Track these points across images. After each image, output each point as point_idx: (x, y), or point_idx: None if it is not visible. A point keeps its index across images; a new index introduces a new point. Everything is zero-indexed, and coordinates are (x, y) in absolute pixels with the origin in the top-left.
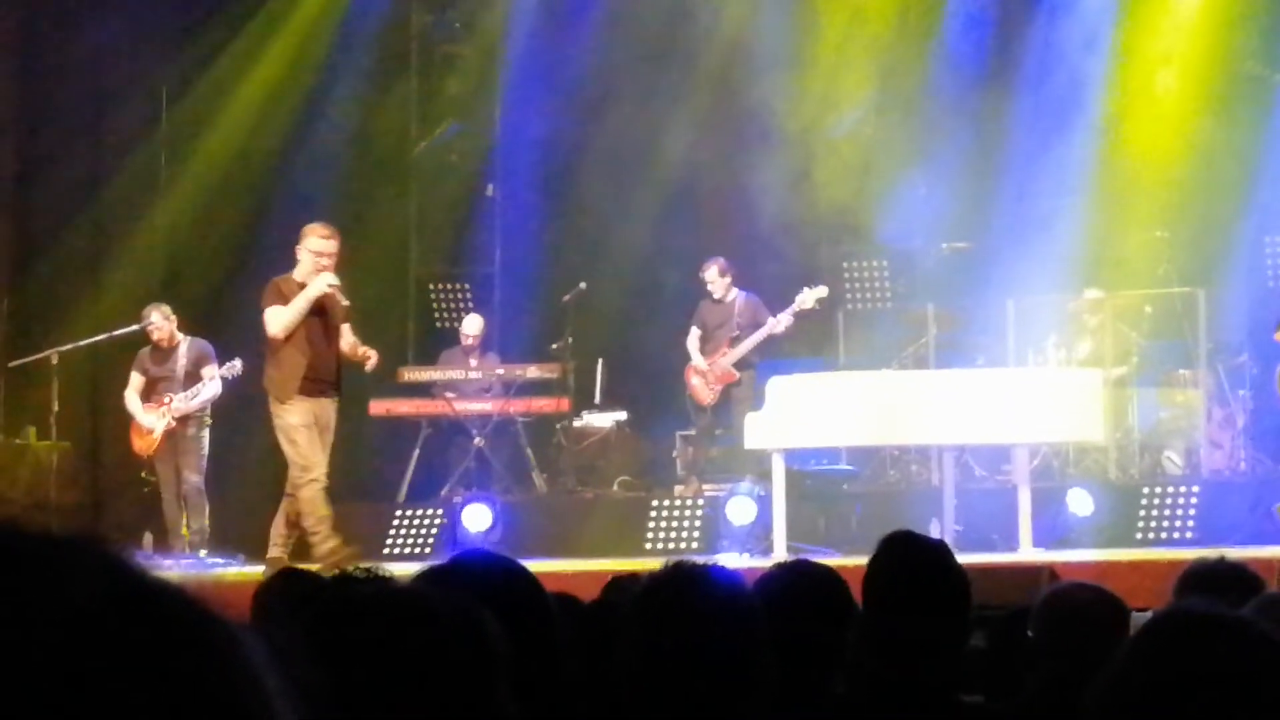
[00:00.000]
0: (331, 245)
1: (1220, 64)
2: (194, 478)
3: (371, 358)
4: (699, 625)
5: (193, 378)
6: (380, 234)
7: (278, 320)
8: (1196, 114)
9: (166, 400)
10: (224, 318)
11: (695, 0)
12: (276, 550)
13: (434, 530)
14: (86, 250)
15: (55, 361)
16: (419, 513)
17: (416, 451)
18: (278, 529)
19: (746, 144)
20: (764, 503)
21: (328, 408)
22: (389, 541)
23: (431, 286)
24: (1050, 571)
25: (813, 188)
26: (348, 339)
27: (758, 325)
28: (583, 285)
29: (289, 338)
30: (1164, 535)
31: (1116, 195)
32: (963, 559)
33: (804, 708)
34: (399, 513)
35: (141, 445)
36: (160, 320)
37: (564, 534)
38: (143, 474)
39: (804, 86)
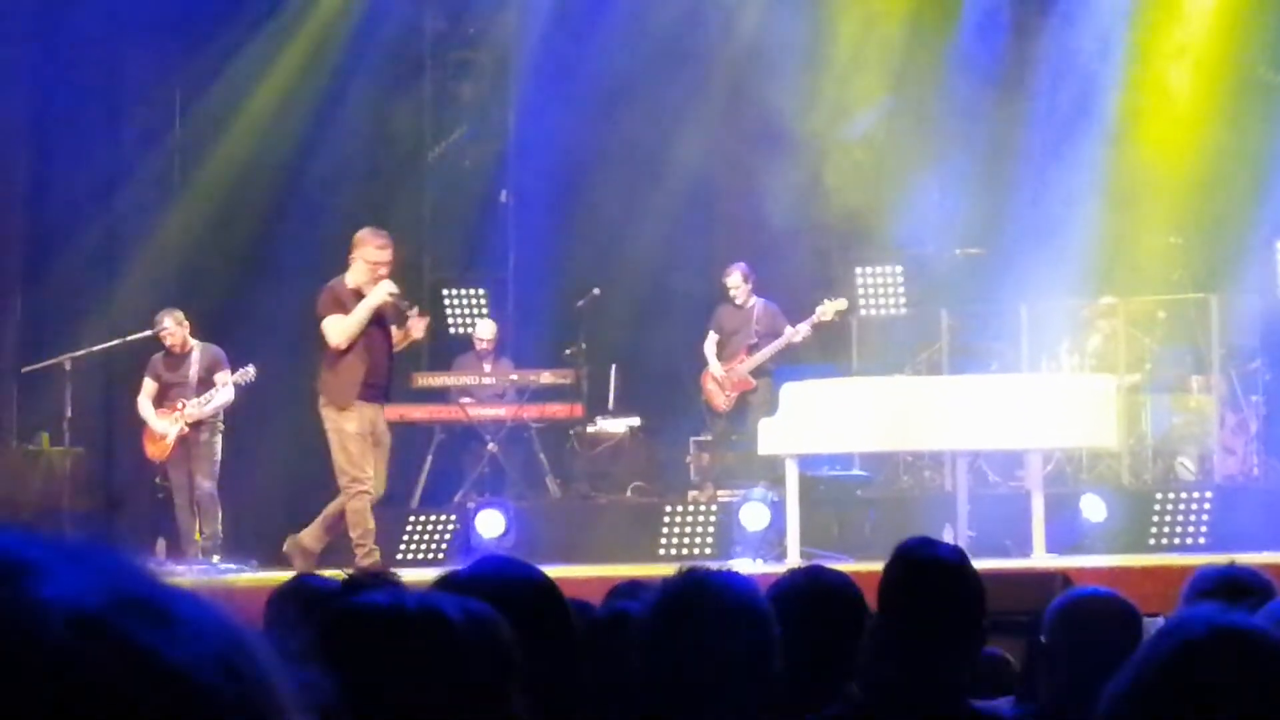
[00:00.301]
0: (388, 254)
1: (1233, 70)
2: (207, 483)
3: (419, 326)
4: (712, 631)
5: (205, 384)
6: (394, 239)
7: (340, 330)
8: (1209, 119)
9: (179, 406)
10: (238, 323)
11: (709, 5)
12: (373, 554)
13: (447, 536)
14: (100, 256)
15: (68, 367)
16: (432, 518)
17: (430, 457)
18: (324, 529)
19: (760, 149)
20: (777, 508)
21: (379, 413)
22: (402, 547)
23: (445, 292)
24: (1063, 577)
25: (826, 193)
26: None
27: (776, 333)
28: (596, 291)
29: (349, 346)
30: (1177, 541)
31: (1129, 201)
32: (976, 565)
33: (817, 713)
34: (412, 518)
35: (154, 451)
36: (173, 325)
37: (577, 539)
38: (156, 480)
39: (818, 91)
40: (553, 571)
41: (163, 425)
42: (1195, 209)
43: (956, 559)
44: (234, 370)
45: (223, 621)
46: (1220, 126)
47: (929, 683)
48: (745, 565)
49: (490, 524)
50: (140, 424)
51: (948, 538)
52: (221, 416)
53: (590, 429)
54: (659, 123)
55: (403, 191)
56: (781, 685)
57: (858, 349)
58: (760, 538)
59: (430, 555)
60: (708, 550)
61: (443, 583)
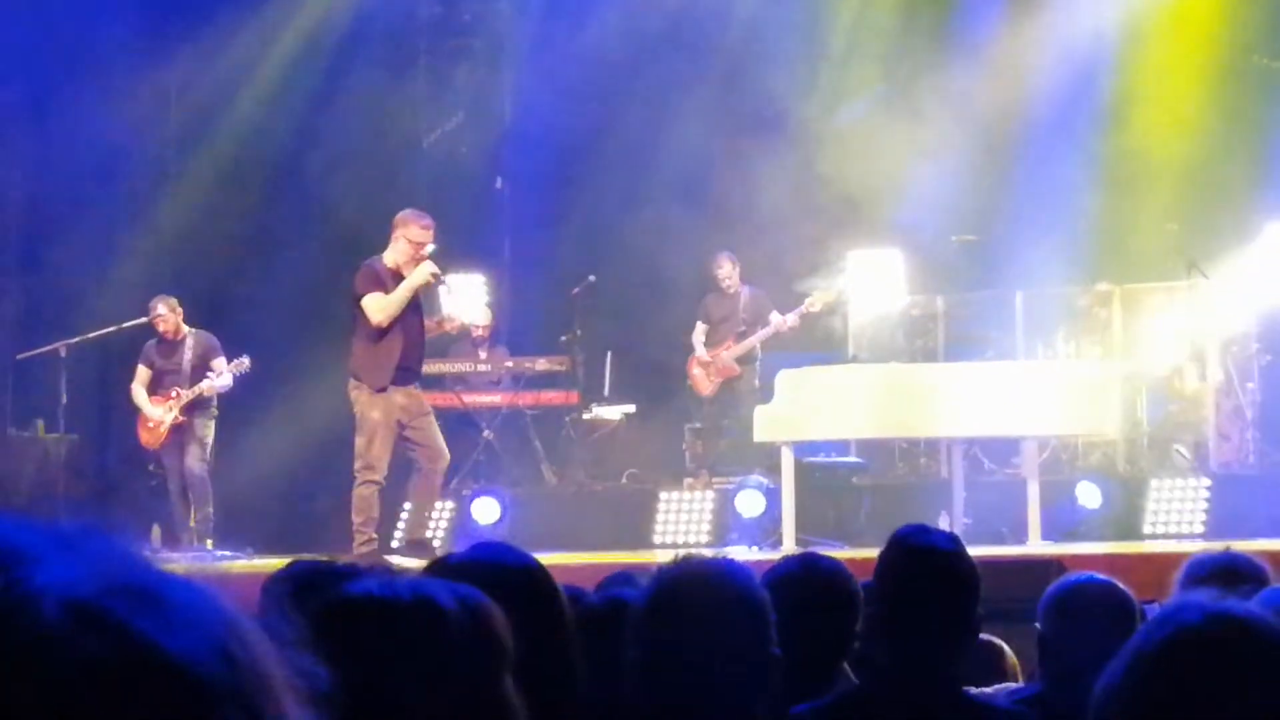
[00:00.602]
0: (430, 235)
1: (1229, 55)
2: (197, 466)
3: (454, 321)
4: (708, 618)
5: (199, 370)
6: (389, 226)
7: (381, 308)
8: (1205, 105)
9: (174, 394)
10: (233, 310)
11: None
12: (372, 543)
13: (443, 523)
14: (96, 243)
15: (64, 354)
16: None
17: None
18: (421, 510)
19: (756, 136)
20: (773, 495)
21: (414, 394)
22: (398, 533)
23: (440, 278)
24: (1059, 564)
25: (822, 180)
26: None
27: (763, 320)
28: (592, 278)
29: (389, 325)
30: (1173, 528)
31: (1125, 187)
32: (971, 552)
33: (813, 699)
34: (408, 505)
35: (149, 438)
36: (166, 312)
37: (573, 527)
38: (150, 467)
39: (813, 77)
40: (548, 559)
41: (157, 412)
42: (1191, 195)
43: (953, 546)
44: (229, 358)
45: (217, 608)
46: (1216, 112)
47: (925, 669)
48: (741, 552)
49: (486, 511)
50: (135, 411)
51: (943, 525)
52: (215, 402)
53: (586, 416)
54: (654, 110)
55: (398, 178)
56: (778, 672)
57: (853, 336)
58: (756, 525)
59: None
60: (703, 537)
61: (435, 568)
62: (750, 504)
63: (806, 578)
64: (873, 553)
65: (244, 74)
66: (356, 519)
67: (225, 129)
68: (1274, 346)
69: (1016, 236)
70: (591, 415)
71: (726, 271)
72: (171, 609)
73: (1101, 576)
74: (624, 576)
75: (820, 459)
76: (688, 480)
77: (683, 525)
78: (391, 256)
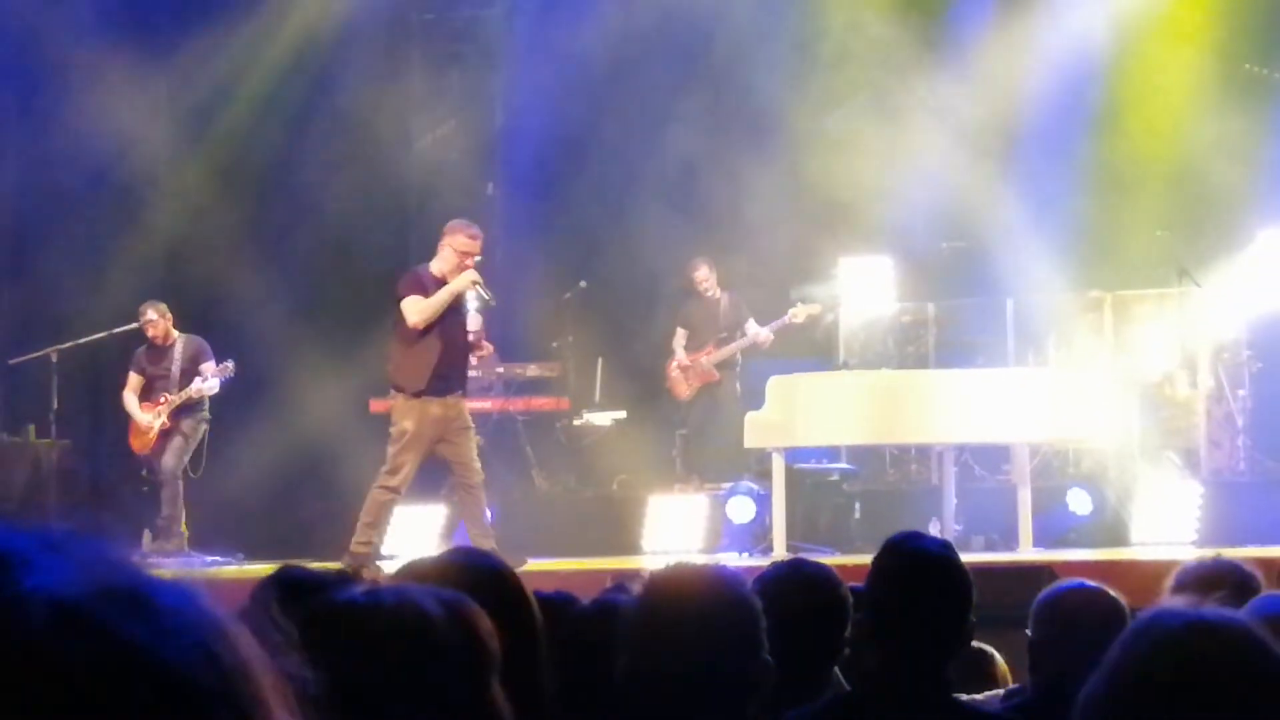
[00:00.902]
0: (477, 246)
1: (1219, 63)
2: (170, 463)
3: (485, 350)
4: (699, 624)
5: (188, 375)
6: (380, 231)
7: (419, 310)
8: (1196, 113)
9: (161, 399)
10: (225, 315)
11: None
12: (486, 543)
13: (434, 529)
14: (87, 249)
15: (55, 359)
16: (418, 511)
17: None
18: (475, 524)
19: (746, 142)
20: (763, 502)
21: (453, 406)
22: (387, 539)
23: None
24: (1050, 571)
25: (813, 187)
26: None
27: (740, 325)
28: (583, 284)
29: (425, 331)
30: (1163, 535)
31: (1116, 194)
32: (962, 559)
33: (804, 705)
34: (397, 510)
35: (139, 444)
36: (156, 318)
37: (563, 533)
38: (142, 473)
39: (804, 83)
40: (539, 565)
41: (146, 418)
42: (1182, 202)
43: (946, 552)
44: (219, 362)
45: (205, 612)
46: (1207, 119)
47: (917, 675)
48: (731, 559)
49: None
50: (126, 417)
51: (934, 531)
52: (206, 406)
53: (576, 422)
54: (645, 116)
55: (389, 183)
56: (769, 677)
57: (844, 342)
58: (746, 531)
59: (417, 548)
60: (694, 544)
61: (405, 571)
62: (741, 510)
63: (796, 583)
64: (864, 559)
65: (236, 78)
66: (365, 517)
67: (217, 134)
68: (1265, 354)
69: (1007, 243)
70: (582, 421)
71: (703, 275)
72: (160, 613)
73: (1092, 583)
74: (621, 585)
75: (811, 465)
76: (678, 486)
77: (673, 531)
78: (438, 265)
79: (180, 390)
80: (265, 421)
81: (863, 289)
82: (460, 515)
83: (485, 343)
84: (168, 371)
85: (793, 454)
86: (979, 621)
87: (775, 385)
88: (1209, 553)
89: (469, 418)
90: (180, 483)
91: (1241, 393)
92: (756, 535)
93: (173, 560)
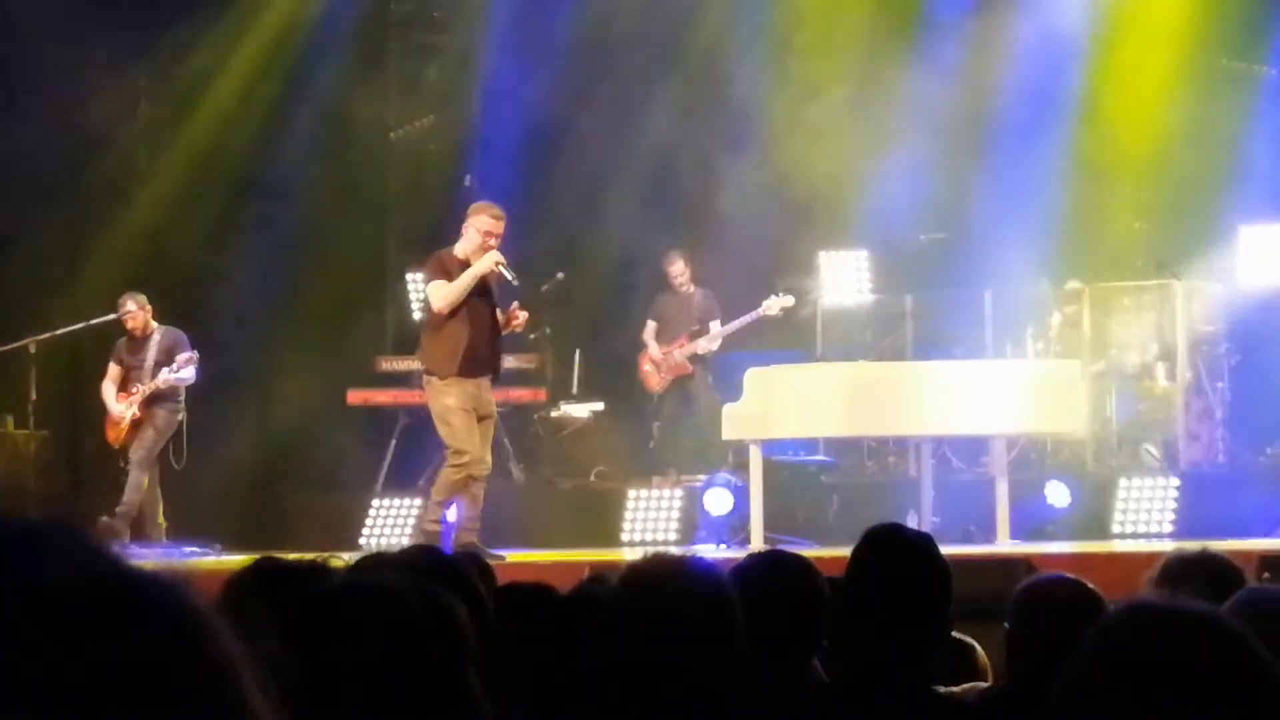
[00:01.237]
0: (500, 226)
1: (1197, 56)
2: (139, 453)
3: (520, 317)
4: (676, 614)
5: (164, 366)
6: (358, 223)
7: (443, 295)
8: (1174, 105)
9: (134, 390)
10: (204, 305)
11: None
12: (467, 536)
13: (411, 520)
14: (65, 239)
15: (33, 350)
16: (396, 503)
17: (394, 441)
18: (465, 511)
19: (725, 135)
20: (741, 494)
21: (485, 388)
22: (365, 531)
23: (409, 276)
24: (1027, 563)
25: (791, 179)
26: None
27: (712, 320)
28: (560, 275)
29: (452, 314)
30: (1141, 528)
31: (1095, 186)
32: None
33: (782, 696)
34: (375, 502)
35: (113, 435)
36: (135, 309)
37: (541, 524)
38: (120, 463)
39: (783, 77)
40: (517, 556)
41: (119, 409)
42: (1160, 194)
43: (925, 544)
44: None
45: (182, 603)
46: (1185, 112)
47: (896, 667)
48: (709, 550)
49: (453, 508)
50: (104, 408)
51: (911, 524)
52: (181, 397)
53: (554, 413)
54: (624, 109)
55: (367, 175)
56: (745, 668)
57: (821, 334)
58: (724, 523)
59: (394, 540)
60: (671, 536)
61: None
62: (718, 502)
63: (773, 574)
64: (842, 551)
65: (214, 70)
66: (435, 495)
67: (195, 125)
68: (1244, 347)
69: (986, 235)
70: (560, 413)
71: (679, 269)
72: (137, 604)
73: (1070, 576)
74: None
75: (789, 457)
76: (655, 478)
77: (651, 523)
78: (462, 247)
79: (154, 380)
80: (243, 413)
81: (840, 281)
82: (472, 497)
83: (519, 311)
84: (143, 363)
85: (770, 446)
86: (956, 614)
87: (753, 377)
88: (1194, 546)
89: (494, 406)
90: (145, 473)
91: (1220, 385)
92: (734, 527)
93: (151, 551)
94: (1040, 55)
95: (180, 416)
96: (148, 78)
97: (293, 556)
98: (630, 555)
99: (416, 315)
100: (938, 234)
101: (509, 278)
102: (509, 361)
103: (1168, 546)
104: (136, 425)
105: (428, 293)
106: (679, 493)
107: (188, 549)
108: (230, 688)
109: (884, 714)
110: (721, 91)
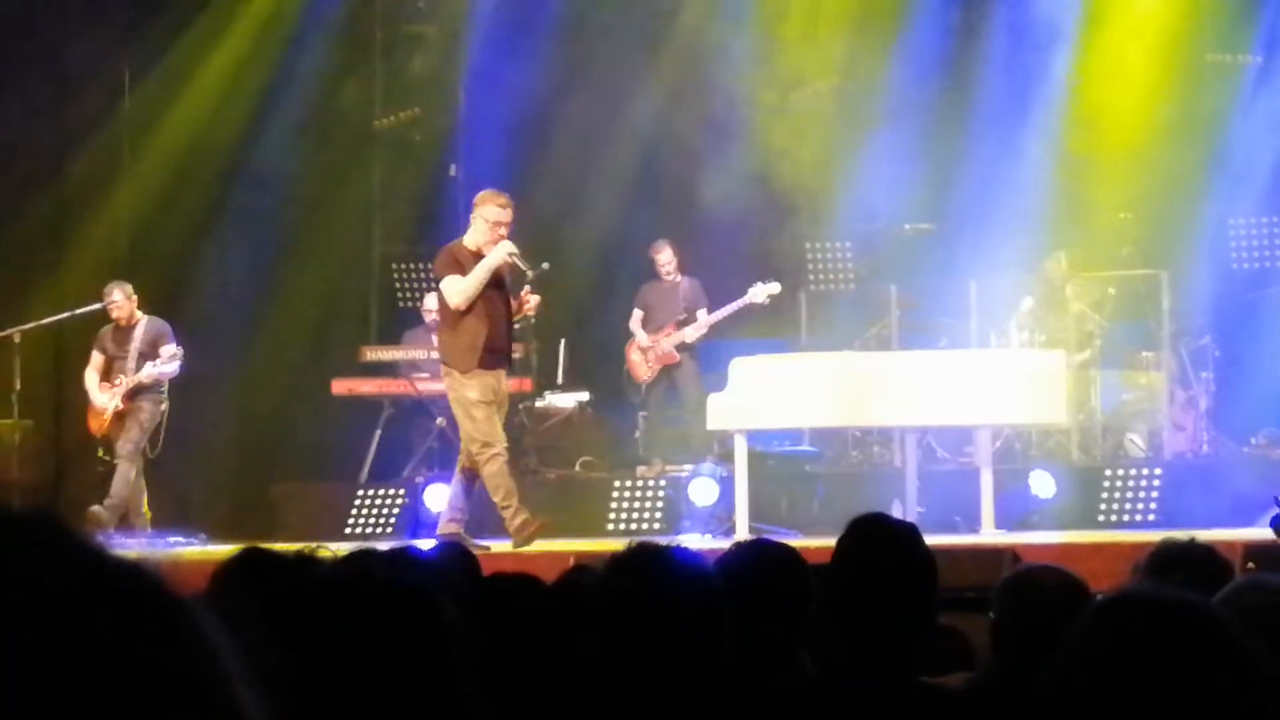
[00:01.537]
0: (508, 215)
1: (1183, 47)
2: (124, 445)
3: (531, 302)
4: (661, 606)
5: (147, 357)
6: (343, 213)
7: (459, 290)
8: (1160, 96)
9: (118, 381)
10: (188, 295)
11: None
12: (452, 526)
13: (395, 510)
14: (49, 229)
15: (17, 340)
16: (381, 493)
17: (379, 431)
18: (455, 501)
19: (710, 125)
20: (726, 484)
21: (502, 379)
22: (350, 521)
23: (395, 266)
24: (1012, 554)
25: (775, 168)
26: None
27: (698, 308)
28: (545, 265)
29: (469, 308)
30: (1126, 517)
31: (1080, 177)
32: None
33: (768, 686)
34: (360, 492)
35: (95, 425)
36: (121, 299)
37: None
38: (101, 453)
39: (767, 67)
40: (501, 547)
41: (102, 399)
42: (1145, 185)
43: (910, 534)
44: (181, 344)
45: (166, 593)
46: (1170, 103)
47: (881, 657)
48: (694, 540)
49: (438, 499)
50: (87, 397)
51: (896, 513)
52: (165, 388)
53: (539, 404)
54: (608, 99)
55: (352, 166)
56: (731, 657)
57: (806, 325)
58: (709, 513)
59: (378, 530)
60: (656, 525)
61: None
62: (704, 492)
63: (758, 564)
64: (827, 541)
65: (199, 59)
66: (496, 497)
67: (179, 114)
68: (1227, 337)
69: (971, 225)
70: (545, 403)
71: (666, 258)
72: (122, 595)
73: (1055, 565)
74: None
75: (774, 447)
76: (641, 468)
77: (636, 513)
78: (471, 238)
79: (136, 373)
80: (227, 403)
81: (826, 271)
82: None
83: (531, 296)
84: (127, 353)
85: (755, 436)
86: (942, 605)
87: (738, 367)
88: (1181, 535)
89: (508, 398)
90: (133, 466)
91: (1205, 375)
92: (719, 517)
93: (135, 542)
94: (1025, 45)
95: (164, 407)
96: (132, 67)
97: (279, 547)
98: (615, 545)
99: (401, 304)
100: (923, 224)
101: (524, 268)
102: None
103: (1152, 536)
104: (120, 417)
105: (443, 289)
106: (664, 483)
107: (172, 539)
108: (216, 679)
109: (869, 704)
110: (706, 81)
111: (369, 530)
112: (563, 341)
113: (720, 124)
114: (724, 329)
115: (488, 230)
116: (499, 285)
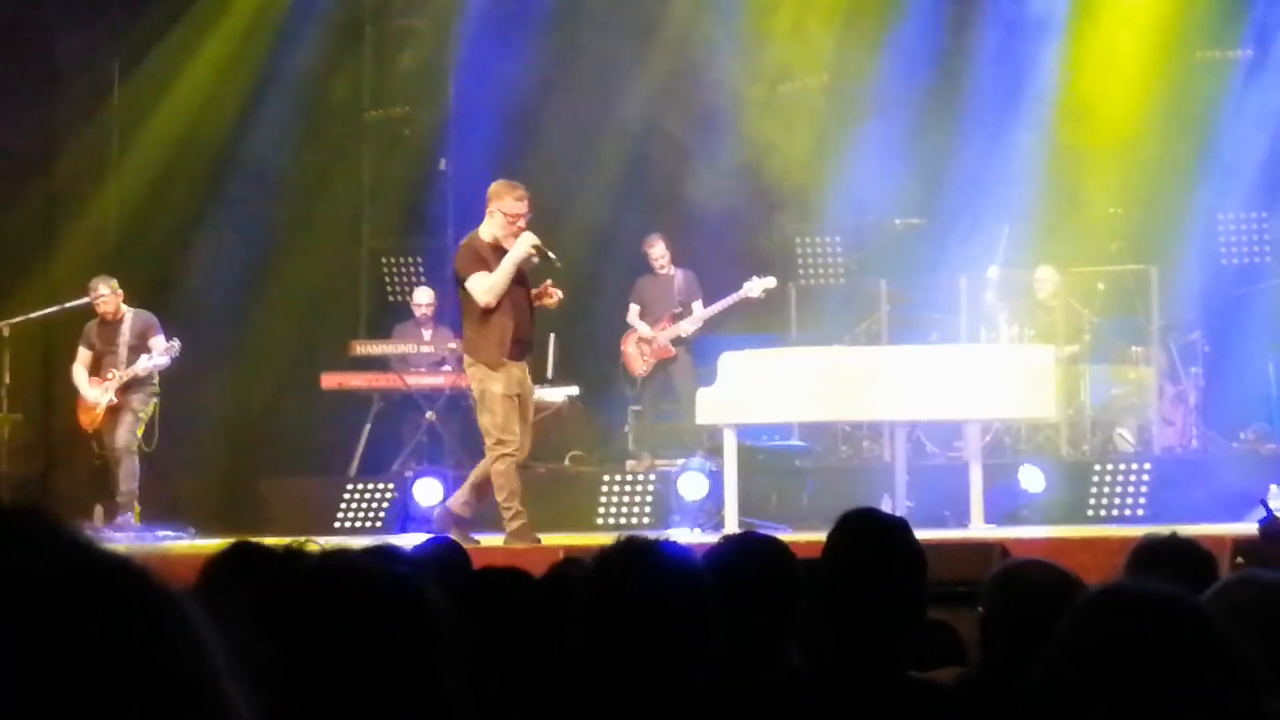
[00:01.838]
0: (525, 205)
1: (1173, 43)
2: (123, 441)
3: (555, 296)
4: (650, 600)
5: (137, 351)
6: (333, 207)
7: (488, 289)
8: (1150, 91)
9: (109, 375)
10: (177, 289)
11: None
12: (463, 510)
13: (385, 504)
14: (38, 223)
15: (6, 333)
16: (370, 487)
17: (368, 425)
18: (463, 494)
19: (701, 119)
20: (716, 478)
21: (525, 370)
22: (340, 515)
23: (384, 260)
24: (1001, 548)
25: (765, 162)
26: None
27: (693, 302)
28: (535, 260)
29: (498, 303)
30: (1115, 512)
31: (1070, 171)
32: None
33: (757, 680)
34: (350, 486)
35: (86, 420)
36: (107, 293)
37: None
38: (94, 447)
39: (757, 60)
40: (491, 541)
41: (94, 394)
42: (1135, 180)
43: (899, 528)
44: (169, 338)
45: (155, 587)
46: (1160, 98)
47: (871, 651)
48: (683, 535)
49: (428, 493)
50: (76, 392)
51: (886, 508)
52: (156, 381)
53: None
54: (599, 92)
55: (342, 160)
56: (720, 651)
57: (796, 319)
58: (698, 507)
59: (368, 524)
60: (645, 520)
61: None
62: (693, 487)
63: (747, 558)
64: (816, 536)
65: (188, 53)
66: (499, 496)
67: (168, 109)
68: (1217, 332)
69: (961, 220)
70: (534, 397)
71: (659, 251)
72: (110, 589)
73: (1045, 560)
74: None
75: (763, 442)
76: (630, 462)
77: (625, 507)
78: (489, 231)
79: (128, 367)
80: (217, 396)
81: (816, 266)
82: (476, 475)
83: (553, 290)
84: (116, 347)
85: (745, 431)
86: (931, 599)
87: (727, 362)
88: (1165, 530)
89: (530, 388)
90: (136, 458)
91: (1194, 370)
92: (708, 512)
93: (124, 536)
94: (1016, 39)
95: (155, 400)
96: (121, 60)
97: (268, 541)
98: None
99: (391, 298)
100: (913, 219)
101: (551, 257)
102: None
103: (1141, 531)
104: (113, 411)
105: (470, 287)
106: (653, 477)
107: (161, 533)
108: (205, 674)
109: (859, 698)
110: (696, 74)
111: (358, 524)
112: (552, 336)
113: (710, 118)
114: (714, 323)
115: (505, 223)
116: (520, 278)
